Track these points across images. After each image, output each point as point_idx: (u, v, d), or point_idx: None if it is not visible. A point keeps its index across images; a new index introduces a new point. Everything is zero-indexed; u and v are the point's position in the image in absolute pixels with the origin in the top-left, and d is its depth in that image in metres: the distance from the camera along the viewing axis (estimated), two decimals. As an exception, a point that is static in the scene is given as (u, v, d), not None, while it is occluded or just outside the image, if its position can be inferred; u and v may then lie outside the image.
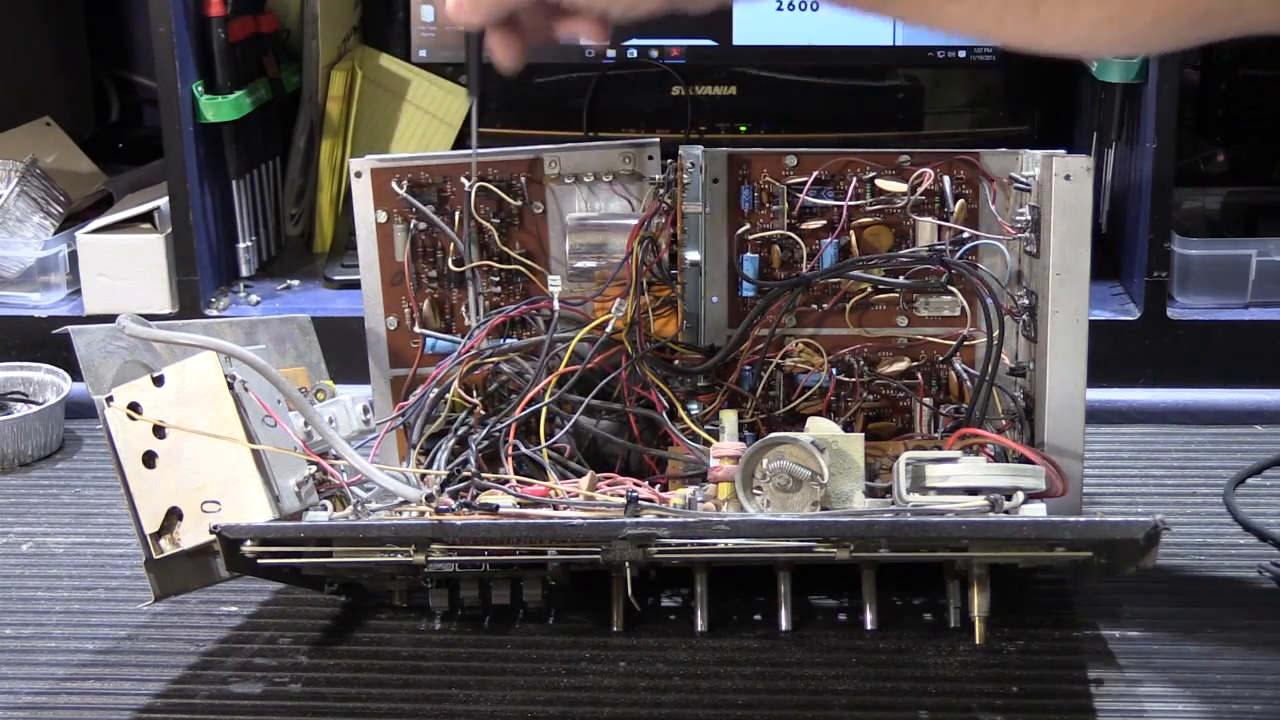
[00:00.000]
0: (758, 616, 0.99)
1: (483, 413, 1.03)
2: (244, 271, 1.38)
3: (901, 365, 1.07)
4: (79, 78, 1.68)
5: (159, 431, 0.91)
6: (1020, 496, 0.90)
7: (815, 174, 1.05)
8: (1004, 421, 1.02)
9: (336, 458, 0.94)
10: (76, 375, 1.06)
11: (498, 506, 0.91)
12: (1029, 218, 0.98)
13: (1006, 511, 0.89)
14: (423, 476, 0.99)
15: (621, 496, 0.92)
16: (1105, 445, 1.20)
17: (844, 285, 1.06)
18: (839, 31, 1.37)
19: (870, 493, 0.95)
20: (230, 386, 0.90)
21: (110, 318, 0.95)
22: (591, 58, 1.36)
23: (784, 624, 0.97)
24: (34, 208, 1.40)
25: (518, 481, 0.96)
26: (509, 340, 1.05)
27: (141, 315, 0.94)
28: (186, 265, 1.32)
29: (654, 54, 1.38)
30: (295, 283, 1.39)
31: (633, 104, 1.39)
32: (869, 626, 0.97)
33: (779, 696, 0.91)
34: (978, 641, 0.95)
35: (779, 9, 1.37)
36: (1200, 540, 1.07)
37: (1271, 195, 1.39)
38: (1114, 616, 0.98)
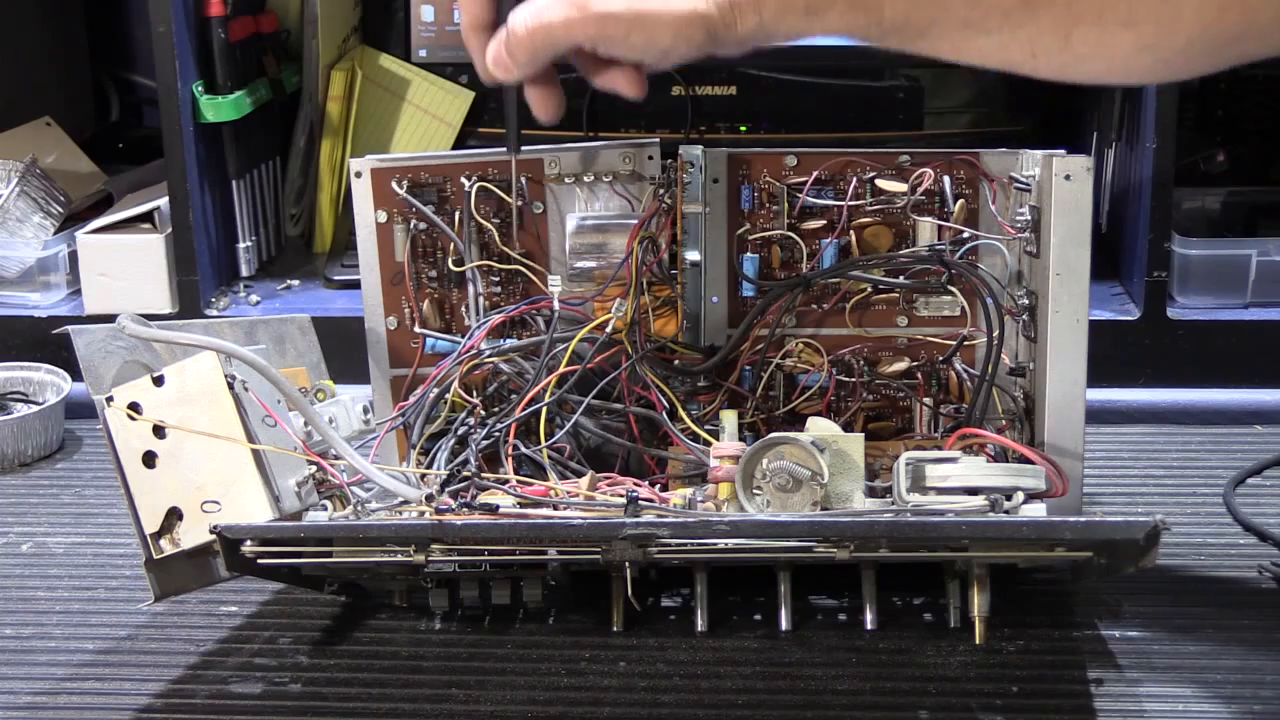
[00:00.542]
0: (758, 616, 0.99)
1: (483, 413, 1.03)
2: (244, 271, 1.39)
3: (901, 365, 1.07)
4: (79, 78, 1.68)
5: (159, 431, 0.91)
6: (1020, 496, 0.90)
7: (815, 174, 1.05)
8: (1004, 421, 1.02)
9: (336, 458, 0.94)
10: (76, 375, 1.06)
11: (498, 506, 0.91)
12: (1029, 218, 0.98)
13: (1006, 511, 0.89)
14: (423, 476, 0.99)
15: (621, 496, 0.92)
16: (1105, 445, 1.20)
17: (844, 285, 1.06)
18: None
19: (870, 493, 0.94)
20: (230, 386, 0.90)
21: (110, 318, 0.95)
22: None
23: (784, 624, 0.97)
24: (34, 208, 1.40)
25: (518, 481, 0.96)
26: (509, 340, 1.06)
27: (141, 315, 0.94)
28: (186, 265, 1.32)
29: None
30: (295, 283, 1.39)
31: (633, 104, 1.39)
32: (869, 626, 0.97)
33: (779, 696, 0.91)
34: (978, 641, 0.95)
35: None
36: (1200, 540, 1.07)
37: (1271, 195, 1.39)
38: (1114, 616, 0.98)
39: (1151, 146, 1.23)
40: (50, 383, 1.28)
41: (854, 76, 1.42)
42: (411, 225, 1.07)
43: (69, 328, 0.96)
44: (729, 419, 1.00)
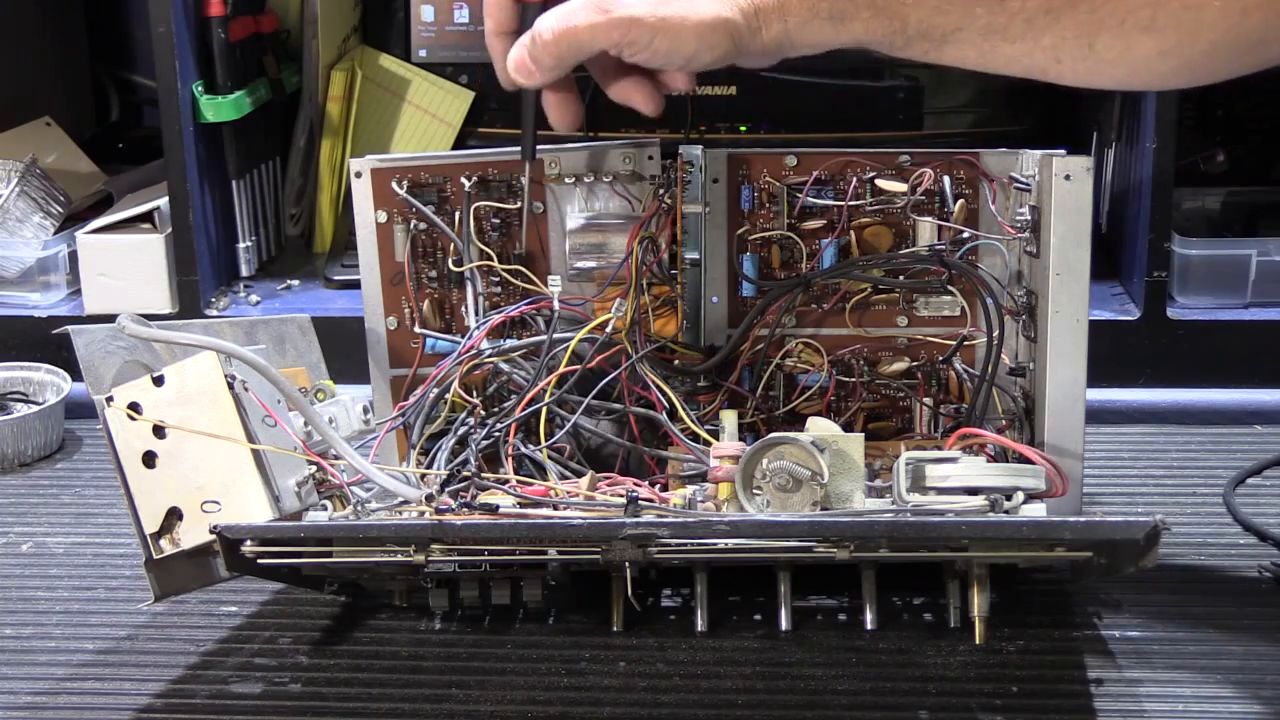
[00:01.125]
0: (758, 616, 0.99)
1: (483, 413, 1.03)
2: (244, 271, 1.39)
3: (901, 365, 1.07)
4: (79, 78, 1.68)
5: (159, 431, 0.91)
6: (1020, 496, 0.90)
7: (815, 174, 1.05)
8: (1004, 421, 1.02)
9: (336, 458, 0.94)
10: (76, 375, 1.06)
11: (498, 506, 0.91)
12: (1029, 218, 0.98)
13: (1006, 511, 0.89)
14: (423, 476, 0.99)
15: (621, 496, 0.92)
16: (1105, 445, 1.20)
17: (844, 285, 1.06)
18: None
19: (870, 493, 0.94)
20: (230, 386, 0.90)
21: (110, 318, 0.95)
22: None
23: (784, 624, 0.97)
24: (34, 208, 1.40)
25: (518, 481, 0.96)
26: (509, 340, 1.05)
27: (141, 315, 0.94)
28: (186, 265, 1.32)
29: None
30: (295, 283, 1.39)
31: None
32: (869, 626, 0.97)
33: (779, 696, 0.91)
34: (978, 641, 0.95)
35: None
36: (1200, 540, 1.07)
37: (1271, 195, 1.39)
38: (1114, 616, 0.98)
39: (1151, 146, 1.23)
40: (50, 383, 1.28)
41: (854, 76, 1.42)
42: (411, 225, 1.07)
43: (69, 328, 0.96)
44: (729, 419, 1.00)
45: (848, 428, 1.05)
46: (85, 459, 1.24)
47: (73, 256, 1.35)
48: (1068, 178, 0.94)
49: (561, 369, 1.02)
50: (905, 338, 1.07)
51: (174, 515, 0.91)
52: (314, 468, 0.92)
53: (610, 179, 1.06)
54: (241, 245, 1.38)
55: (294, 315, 1.07)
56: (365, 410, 1.01)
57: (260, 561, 0.89)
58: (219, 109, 1.32)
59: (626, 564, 0.93)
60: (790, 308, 1.06)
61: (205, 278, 1.33)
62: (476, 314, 1.07)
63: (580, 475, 0.98)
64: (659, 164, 1.05)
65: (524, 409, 1.01)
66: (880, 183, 1.04)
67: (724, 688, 0.92)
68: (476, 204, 1.06)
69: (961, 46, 0.86)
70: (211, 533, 0.87)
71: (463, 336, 1.06)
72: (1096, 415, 1.15)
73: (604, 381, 1.02)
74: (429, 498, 0.92)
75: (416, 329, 1.08)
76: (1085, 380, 0.96)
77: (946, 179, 1.04)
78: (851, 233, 1.05)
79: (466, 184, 1.06)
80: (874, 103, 1.42)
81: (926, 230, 1.05)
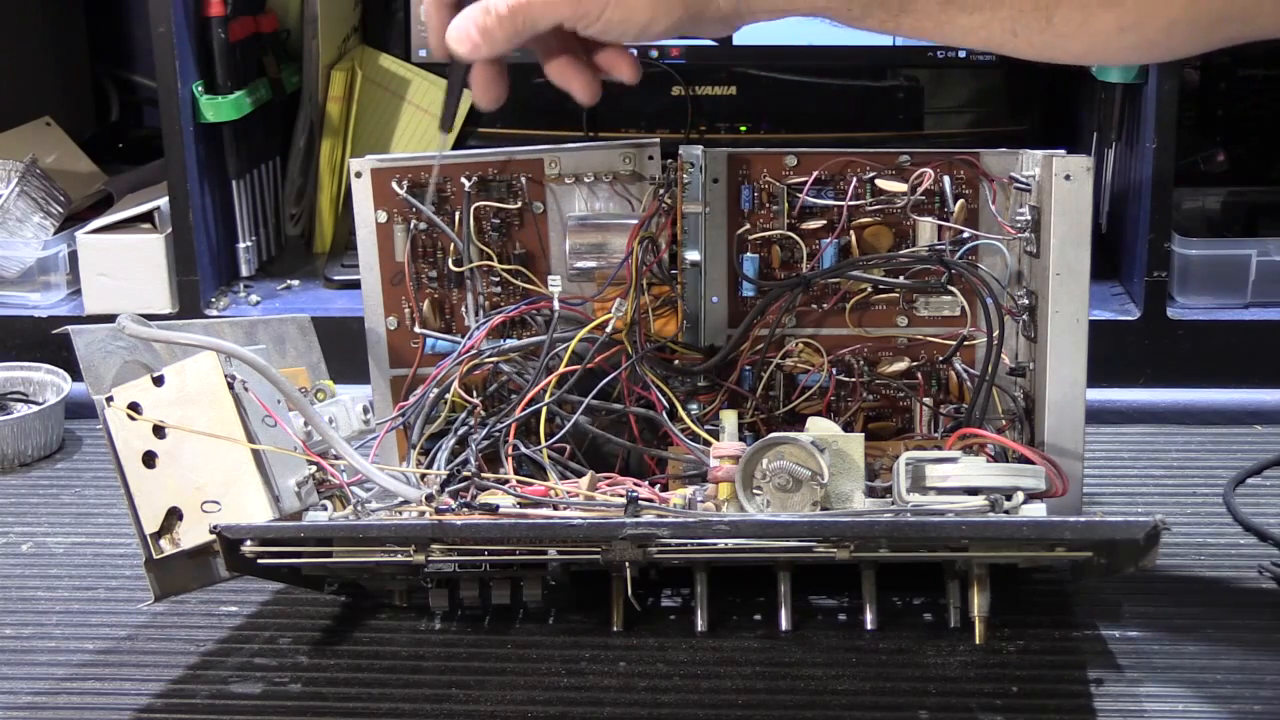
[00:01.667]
0: (758, 616, 0.99)
1: (483, 413, 1.03)
2: (244, 271, 1.39)
3: (901, 365, 1.07)
4: (79, 78, 1.68)
5: (159, 431, 0.91)
6: (1020, 496, 0.90)
7: (815, 174, 1.05)
8: (1004, 421, 1.02)
9: (336, 458, 0.94)
10: (76, 375, 1.06)
11: (498, 506, 0.91)
12: (1029, 218, 0.98)
13: (1006, 511, 0.89)
14: (423, 476, 0.99)
15: (621, 496, 0.92)
16: (1105, 445, 1.20)
17: (844, 285, 1.06)
18: (839, 32, 1.37)
19: (870, 493, 0.95)
20: (230, 386, 0.90)
21: (110, 318, 0.95)
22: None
23: (784, 624, 0.97)
24: (34, 208, 1.40)
25: (518, 481, 0.96)
26: (509, 340, 1.05)
27: (141, 315, 0.94)
28: (186, 265, 1.32)
29: (654, 54, 1.39)
30: (295, 283, 1.39)
31: (633, 104, 1.40)
32: (869, 626, 0.97)
33: (779, 696, 0.91)
34: (978, 641, 0.95)
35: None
36: (1200, 540, 1.07)
37: (1271, 195, 1.39)
38: (1114, 616, 0.98)
39: (1151, 146, 1.23)
40: (50, 383, 1.28)
41: (854, 76, 1.42)
42: (411, 225, 1.07)
43: (69, 328, 0.96)
44: (729, 419, 1.00)
45: (848, 428, 1.05)
46: (85, 459, 1.24)
47: (73, 256, 1.35)
48: (1068, 178, 0.94)
49: (561, 369, 1.02)
50: (905, 338, 1.07)
51: (174, 515, 0.91)
52: (314, 468, 0.92)
53: (610, 179, 1.06)
54: (241, 245, 1.38)
55: (294, 315, 1.07)
56: (365, 410, 1.01)
57: (260, 561, 0.89)
58: (219, 109, 1.32)
59: (626, 564, 0.93)
60: (790, 308, 1.06)
61: (205, 278, 1.33)
62: (476, 314, 1.07)
63: (580, 475, 0.98)
64: (659, 164, 1.05)
65: (524, 409, 1.01)
66: (880, 183, 1.04)
67: (724, 688, 0.92)
68: (476, 204, 1.06)
69: (918, 17, 0.86)
70: (211, 533, 0.87)
71: (463, 336, 1.06)
72: (1096, 415, 1.15)
73: (604, 381, 1.02)
74: (429, 498, 0.92)
75: (416, 329, 1.08)
76: (1085, 380, 0.96)
77: (946, 179, 1.04)
78: (851, 233, 1.05)
79: (466, 184, 1.06)
80: (874, 103, 1.42)
81: (926, 230, 1.05)
